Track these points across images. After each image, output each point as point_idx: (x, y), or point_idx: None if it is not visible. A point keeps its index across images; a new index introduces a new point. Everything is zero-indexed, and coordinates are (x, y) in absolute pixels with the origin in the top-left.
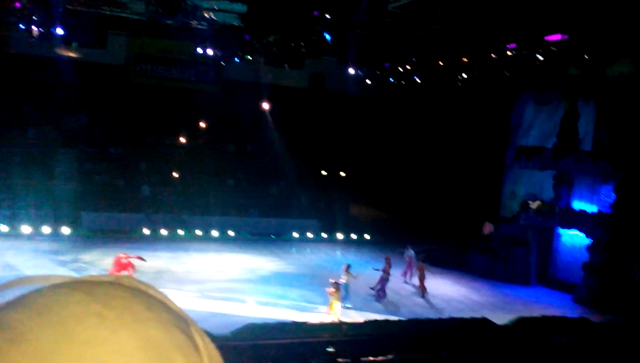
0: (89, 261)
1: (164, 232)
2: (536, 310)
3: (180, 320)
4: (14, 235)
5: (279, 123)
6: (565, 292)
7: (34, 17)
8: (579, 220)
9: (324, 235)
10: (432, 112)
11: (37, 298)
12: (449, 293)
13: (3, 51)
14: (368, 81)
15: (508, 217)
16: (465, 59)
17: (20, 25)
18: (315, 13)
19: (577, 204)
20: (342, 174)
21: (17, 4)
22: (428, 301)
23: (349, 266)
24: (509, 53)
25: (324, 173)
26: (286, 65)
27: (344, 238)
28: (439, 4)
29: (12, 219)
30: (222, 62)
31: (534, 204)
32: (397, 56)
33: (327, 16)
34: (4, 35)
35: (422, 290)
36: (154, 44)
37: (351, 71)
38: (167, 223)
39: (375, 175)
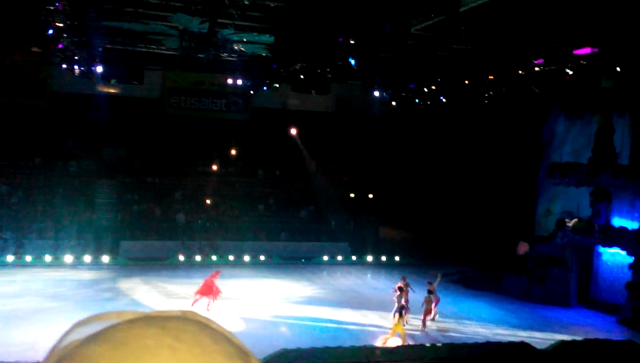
0: (123, 290)
1: (198, 258)
2: (578, 333)
3: (242, 353)
4: (57, 264)
5: (307, 148)
6: (608, 314)
7: (75, 57)
8: (619, 237)
9: (354, 258)
10: (461, 131)
11: (114, 333)
12: (485, 316)
13: (45, 90)
14: (394, 103)
15: (544, 236)
16: (491, 77)
17: (63, 65)
18: (340, 39)
19: (617, 221)
20: (371, 196)
21: (60, 45)
22: (459, 325)
23: (400, 288)
24: (536, 69)
25: (352, 195)
26: (313, 91)
27: (374, 261)
28: (462, 24)
29: (56, 249)
30: (251, 91)
31: (571, 222)
32: (422, 76)
33: (352, 42)
34: (47, 76)
35: (424, 324)
36: (187, 77)
37: (376, 93)
38: (201, 249)
39: (404, 196)
